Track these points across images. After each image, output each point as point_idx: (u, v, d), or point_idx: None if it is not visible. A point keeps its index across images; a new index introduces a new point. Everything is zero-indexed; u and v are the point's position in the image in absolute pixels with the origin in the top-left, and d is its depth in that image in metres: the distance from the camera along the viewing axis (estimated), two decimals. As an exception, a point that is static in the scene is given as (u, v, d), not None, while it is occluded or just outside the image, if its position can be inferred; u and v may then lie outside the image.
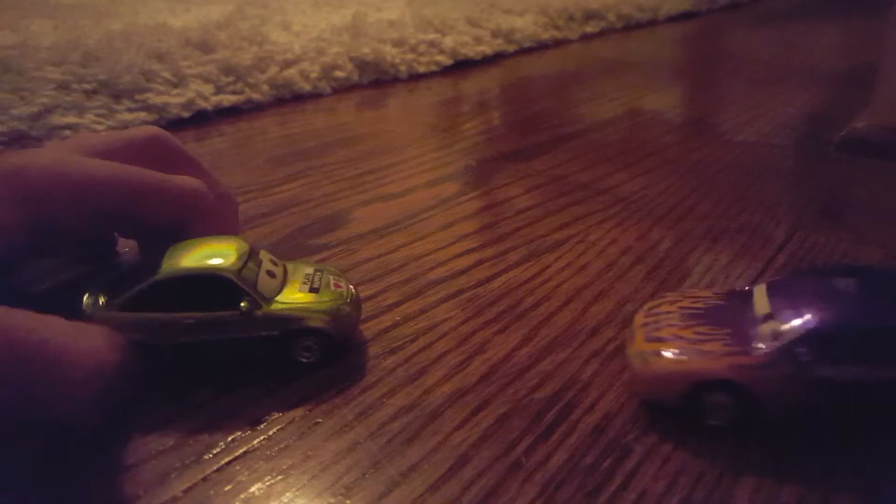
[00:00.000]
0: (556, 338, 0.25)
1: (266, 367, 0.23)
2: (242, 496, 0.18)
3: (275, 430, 0.20)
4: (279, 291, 0.23)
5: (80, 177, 0.22)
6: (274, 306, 0.22)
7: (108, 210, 0.23)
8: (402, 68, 0.71)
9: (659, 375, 0.20)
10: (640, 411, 0.21)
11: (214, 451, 0.19)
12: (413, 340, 0.25)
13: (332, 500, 0.18)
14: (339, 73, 0.66)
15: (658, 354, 0.20)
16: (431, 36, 0.77)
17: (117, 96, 0.52)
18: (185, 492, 0.18)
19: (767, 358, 0.18)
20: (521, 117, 0.58)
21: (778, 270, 0.30)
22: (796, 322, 0.18)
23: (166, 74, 0.55)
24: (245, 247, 0.23)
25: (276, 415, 0.21)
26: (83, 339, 0.18)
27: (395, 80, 0.71)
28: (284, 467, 0.19)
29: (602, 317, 0.26)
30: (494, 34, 0.84)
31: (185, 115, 0.54)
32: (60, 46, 0.56)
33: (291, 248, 0.32)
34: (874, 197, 0.39)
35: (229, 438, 0.20)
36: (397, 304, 0.27)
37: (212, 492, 0.18)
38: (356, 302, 0.24)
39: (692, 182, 0.41)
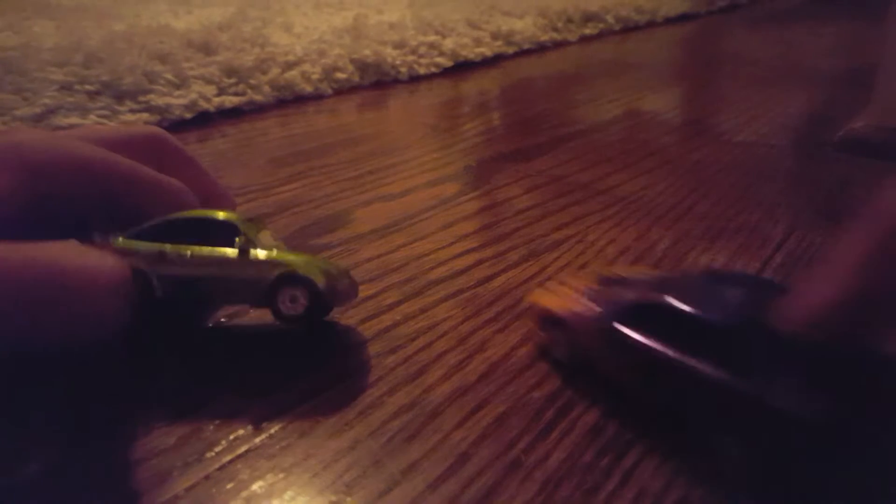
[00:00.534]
0: (555, 337, 0.25)
1: (253, 366, 0.23)
2: (244, 494, 0.18)
3: (276, 428, 0.20)
4: (274, 248, 0.24)
5: (78, 154, 0.22)
6: (267, 252, 0.23)
7: (101, 191, 0.23)
8: (403, 70, 0.72)
9: (529, 306, 0.24)
10: (640, 411, 0.21)
11: (216, 450, 0.19)
12: (413, 340, 0.25)
13: (334, 498, 0.18)
14: (340, 75, 0.66)
15: (543, 292, 0.24)
16: (432, 38, 0.77)
17: (120, 97, 0.53)
18: (188, 490, 0.18)
19: (594, 311, 0.21)
20: (521, 118, 0.58)
21: (776, 270, 0.30)
22: (635, 291, 0.21)
23: (168, 76, 0.55)
24: (242, 217, 0.25)
25: (277, 414, 0.21)
26: (94, 257, 0.19)
27: (396, 81, 0.71)
28: (286, 465, 0.19)
29: (601, 316, 0.26)
30: (494, 36, 0.84)
31: (188, 116, 0.54)
32: (63, 48, 0.56)
33: (293, 248, 0.32)
34: (872, 197, 0.39)
35: (231, 437, 0.20)
36: (397, 304, 0.27)
37: (214, 490, 0.18)
38: (349, 278, 0.25)
39: (691, 182, 0.41)
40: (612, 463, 0.19)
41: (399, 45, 0.73)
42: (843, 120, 0.49)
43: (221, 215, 0.24)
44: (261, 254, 0.23)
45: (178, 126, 0.53)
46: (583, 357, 0.22)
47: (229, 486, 0.18)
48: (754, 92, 0.65)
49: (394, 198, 0.39)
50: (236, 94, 0.59)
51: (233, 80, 0.59)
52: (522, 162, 0.45)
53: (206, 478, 0.18)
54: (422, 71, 0.73)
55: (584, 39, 0.98)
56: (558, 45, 0.93)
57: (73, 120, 0.49)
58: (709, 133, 0.52)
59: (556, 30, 0.94)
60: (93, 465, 0.19)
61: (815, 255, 0.31)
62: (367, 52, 0.70)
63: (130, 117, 0.51)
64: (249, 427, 0.20)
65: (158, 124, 0.52)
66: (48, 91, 0.50)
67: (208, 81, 0.57)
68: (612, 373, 0.21)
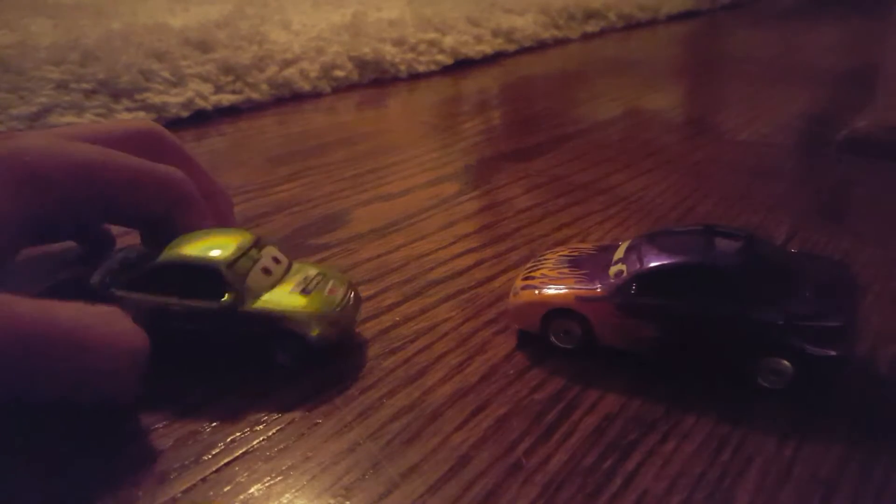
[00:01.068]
0: (556, 338, 0.24)
1: (253, 367, 0.23)
2: (242, 497, 0.18)
3: (274, 430, 0.20)
4: (268, 289, 0.23)
5: (76, 158, 0.22)
6: (256, 304, 0.22)
7: (100, 193, 0.23)
8: (402, 68, 0.71)
9: (521, 306, 0.24)
10: (641, 412, 0.21)
11: (214, 452, 0.19)
12: (413, 341, 0.24)
13: (332, 501, 0.17)
14: (338, 73, 0.66)
15: (524, 289, 0.24)
16: (431, 35, 0.77)
17: (116, 96, 0.52)
18: (185, 492, 0.18)
19: (602, 292, 0.22)
20: (522, 117, 0.58)
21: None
22: (633, 264, 0.22)
23: (165, 74, 0.55)
24: (249, 240, 0.24)
25: (275, 415, 0.21)
26: (120, 326, 0.19)
27: (395, 79, 0.71)
28: (284, 468, 0.19)
29: (602, 317, 0.26)
30: (495, 33, 0.84)
31: (185, 114, 0.54)
32: (59, 46, 0.56)
33: (291, 249, 0.32)
34: (875, 197, 0.39)
35: (229, 439, 0.20)
36: (397, 304, 0.27)
37: (211, 493, 0.18)
38: (349, 308, 0.24)
39: (692, 182, 0.41)
40: (614, 465, 0.18)
41: (398, 43, 0.73)
42: (846, 119, 0.48)
43: (212, 255, 0.22)
44: (250, 307, 0.22)
45: (175, 124, 0.53)
46: (595, 340, 0.23)
47: (227, 488, 0.18)
48: (756, 91, 0.65)
49: (393, 197, 0.39)
50: (234, 92, 0.58)
51: (230, 78, 0.59)
52: (523, 161, 0.45)
53: (204, 480, 0.18)
54: (421, 69, 0.73)
55: (586, 37, 0.97)
56: (559, 42, 0.93)
57: (70, 118, 0.49)
58: (711, 132, 0.52)
59: (557, 27, 0.94)
60: (91, 466, 0.19)
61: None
62: (365, 49, 0.69)
63: (127, 116, 0.51)
64: (247, 429, 0.20)
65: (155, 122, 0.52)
66: (44, 89, 0.50)
67: (205, 79, 0.57)
68: (631, 345, 0.22)
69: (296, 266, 0.25)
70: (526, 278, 0.24)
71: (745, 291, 0.21)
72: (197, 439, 0.20)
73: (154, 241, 0.24)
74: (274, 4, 0.85)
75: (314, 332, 0.22)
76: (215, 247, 0.23)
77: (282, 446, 0.19)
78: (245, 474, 0.18)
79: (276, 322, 0.22)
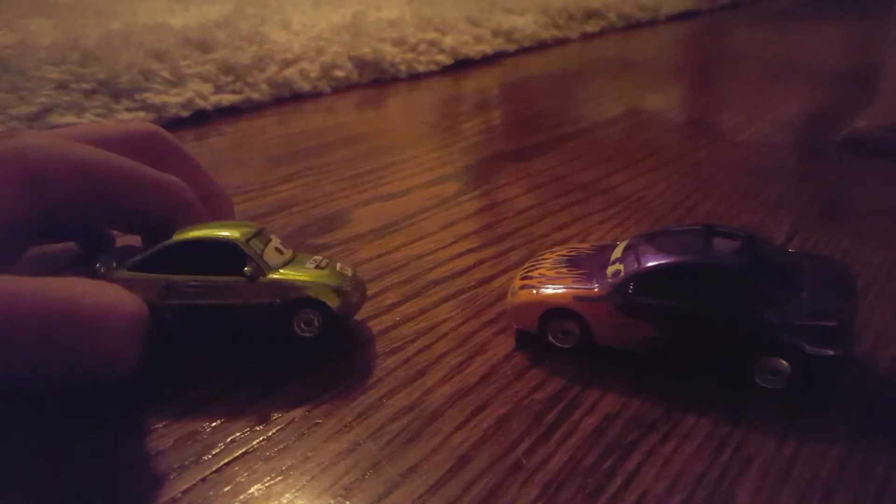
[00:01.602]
0: (556, 338, 0.24)
1: (253, 366, 0.23)
2: (242, 497, 0.18)
3: (274, 430, 0.20)
4: (284, 265, 0.23)
5: (80, 158, 0.22)
6: (277, 274, 0.23)
7: (101, 195, 0.23)
8: (402, 67, 0.71)
9: (520, 305, 0.24)
10: (641, 412, 0.21)
11: (213, 452, 0.19)
12: (413, 341, 0.24)
13: (332, 501, 0.17)
14: (338, 73, 0.66)
15: (522, 289, 0.24)
16: (431, 35, 0.77)
17: (116, 96, 0.52)
18: (184, 493, 0.18)
19: (600, 292, 0.22)
20: (522, 117, 0.58)
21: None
22: (630, 264, 0.22)
23: (165, 74, 0.55)
24: (254, 228, 0.24)
25: (275, 415, 0.21)
26: (112, 295, 0.19)
27: (395, 79, 0.71)
28: (284, 468, 0.19)
29: (602, 317, 0.26)
30: (495, 33, 0.84)
31: (185, 114, 0.54)
32: (59, 46, 0.56)
33: (298, 251, 0.32)
34: (875, 197, 0.39)
35: (228, 439, 0.20)
36: (397, 304, 0.27)
37: (211, 493, 0.18)
38: (359, 284, 0.25)
39: (693, 182, 0.41)
40: (614, 465, 0.18)
41: (398, 43, 0.73)
42: (846, 119, 0.48)
43: (223, 234, 0.23)
44: (271, 277, 0.23)
45: (174, 124, 0.53)
46: (594, 340, 0.23)
47: (227, 488, 0.18)
48: (756, 91, 0.65)
49: (393, 197, 0.39)
50: (234, 92, 0.58)
51: (230, 78, 0.59)
52: (523, 161, 0.45)
53: (204, 480, 0.18)
54: (421, 69, 0.73)
55: (586, 37, 0.97)
56: (560, 42, 0.93)
57: (70, 118, 0.49)
58: (711, 132, 0.52)
59: (557, 27, 0.94)
60: (90, 466, 0.19)
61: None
62: (365, 49, 0.69)
63: (127, 116, 0.51)
64: (247, 429, 0.20)
65: (155, 123, 0.52)
66: (44, 89, 0.50)
67: (205, 79, 0.57)
68: (629, 344, 0.22)
69: (300, 255, 0.25)
70: (524, 278, 0.24)
71: (744, 291, 0.21)
72: (197, 439, 0.20)
73: (154, 245, 0.24)
74: (274, 4, 0.85)
75: (336, 301, 0.23)
76: (225, 229, 0.23)
77: (282, 446, 0.19)
78: (245, 474, 0.18)
79: (299, 291, 0.23)
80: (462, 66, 0.77)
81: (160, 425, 0.20)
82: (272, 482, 0.18)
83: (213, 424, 0.20)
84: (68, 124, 0.48)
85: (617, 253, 0.23)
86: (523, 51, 0.86)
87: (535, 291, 0.23)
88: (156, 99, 0.53)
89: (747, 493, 0.18)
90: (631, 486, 0.18)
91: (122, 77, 0.53)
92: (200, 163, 0.29)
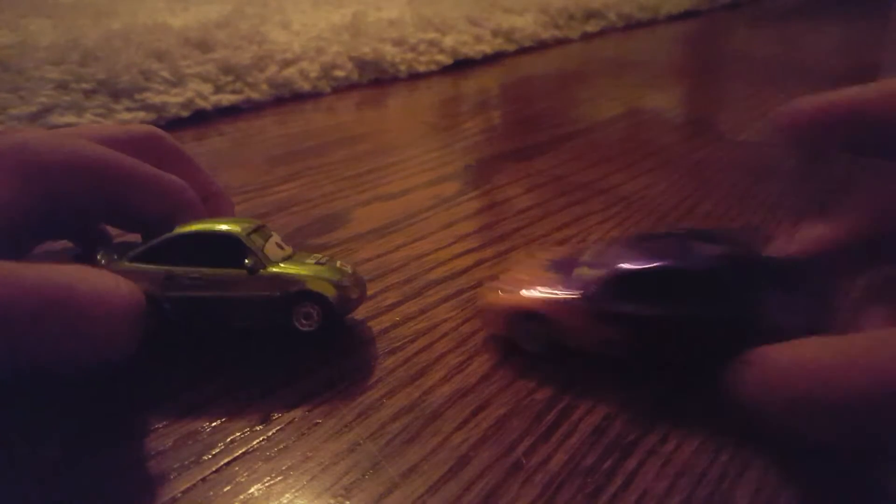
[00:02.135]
0: (556, 338, 0.24)
1: (265, 342, 0.23)
2: (242, 497, 0.18)
3: (274, 430, 0.20)
4: (284, 260, 0.24)
5: (81, 153, 0.22)
6: (277, 268, 0.23)
7: (102, 191, 0.23)
8: (402, 67, 0.71)
9: (490, 308, 0.24)
10: (641, 412, 0.21)
11: (213, 452, 0.19)
12: (413, 341, 0.24)
13: (332, 501, 0.17)
14: (338, 73, 0.66)
15: (492, 291, 0.24)
16: (431, 35, 0.77)
17: (116, 96, 0.52)
18: (184, 492, 0.18)
19: (570, 296, 0.22)
20: (522, 117, 0.58)
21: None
22: (599, 268, 0.22)
23: (165, 74, 0.55)
24: (254, 223, 0.24)
25: (275, 415, 0.21)
26: (109, 282, 0.19)
27: (395, 79, 0.71)
28: (284, 468, 0.19)
29: (602, 317, 0.26)
30: (495, 33, 0.84)
31: (184, 114, 0.54)
32: (59, 46, 0.56)
33: (297, 248, 0.32)
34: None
35: (228, 439, 0.20)
36: (397, 304, 0.27)
37: (211, 493, 0.18)
38: (359, 281, 0.25)
39: (693, 182, 0.41)
40: (614, 465, 0.18)
41: (398, 43, 0.73)
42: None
43: (224, 228, 0.23)
44: (271, 270, 0.23)
45: (174, 124, 0.53)
46: (564, 343, 0.23)
47: (227, 488, 0.18)
48: (756, 90, 0.65)
49: (393, 197, 0.39)
50: (233, 92, 0.58)
51: (230, 78, 0.59)
52: (523, 161, 0.45)
53: (204, 480, 0.18)
54: (421, 69, 0.73)
55: (586, 37, 0.97)
56: (560, 42, 0.93)
57: (69, 119, 0.49)
58: (711, 132, 0.52)
59: (557, 27, 0.94)
60: (90, 467, 0.19)
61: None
62: (365, 49, 0.69)
63: (127, 116, 0.51)
64: (247, 429, 0.20)
65: (155, 123, 0.52)
66: (44, 89, 0.50)
67: (205, 79, 0.57)
68: (599, 347, 0.22)
69: (300, 252, 0.26)
70: (495, 280, 0.24)
71: (716, 294, 0.21)
72: (197, 439, 0.20)
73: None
74: (274, 4, 0.85)
75: (336, 296, 0.23)
76: (226, 223, 0.23)
77: (282, 446, 0.19)
78: (245, 474, 0.18)
79: (298, 284, 0.23)
80: (462, 66, 0.77)
81: (160, 425, 0.20)
82: (272, 482, 0.18)
83: (213, 424, 0.20)
84: (68, 124, 0.48)
85: (586, 256, 0.23)
86: (523, 51, 0.86)
87: (503, 293, 0.23)
88: (156, 99, 0.53)
89: (747, 493, 0.18)
90: (631, 486, 0.18)
91: (122, 77, 0.53)
92: (200, 163, 0.29)
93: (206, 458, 0.19)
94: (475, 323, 0.26)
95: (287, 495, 0.18)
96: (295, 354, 0.23)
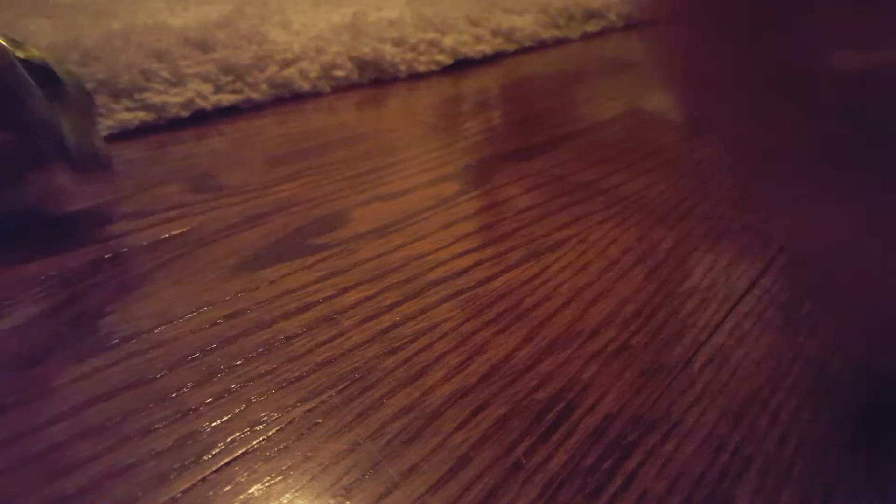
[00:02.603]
0: (556, 338, 0.25)
1: (263, 357, 0.23)
2: (242, 497, 0.18)
3: (274, 430, 0.20)
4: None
5: None
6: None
7: None
8: (402, 67, 0.71)
9: None
10: (641, 412, 0.21)
11: (213, 452, 0.19)
12: (413, 341, 0.24)
13: (332, 501, 0.17)
14: (338, 73, 0.66)
15: None
16: (431, 35, 0.77)
17: (116, 95, 0.52)
18: (184, 493, 0.18)
19: None
20: (521, 117, 0.58)
21: (779, 271, 0.30)
22: None
23: (165, 74, 0.55)
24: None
25: (275, 416, 0.21)
26: None
27: (395, 79, 0.71)
28: (284, 468, 0.19)
29: (603, 317, 0.26)
30: (494, 33, 0.84)
31: (185, 114, 0.54)
32: (59, 45, 0.56)
33: (290, 248, 0.32)
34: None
35: (228, 439, 0.20)
36: (397, 304, 0.27)
37: (211, 493, 0.18)
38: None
39: (693, 182, 0.41)
40: (614, 465, 0.18)
41: (398, 43, 0.73)
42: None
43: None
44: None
45: (175, 124, 0.53)
46: None
47: (227, 488, 0.18)
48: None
49: (393, 197, 0.39)
50: (233, 92, 0.58)
51: (230, 78, 0.59)
52: (523, 161, 0.45)
53: (203, 480, 0.18)
54: (421, 69, 0.73)
55: (586, 37, 0.97)
56: (560, 42, 0.93)
57: (70, 118, 0.48)
58: (711, 132, 0.52)
59: (557, 27, 0.94)
60: (89, 466, 0.19)
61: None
62: (365, 49, 0.69)
63: (127, 115, 0.51)
64: (247, 429, 0.20)
65: (155, 123, 0.52)
66: (45, 89, 0.50)
67: (205, 79, 0.57)
68: None
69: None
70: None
71: None
72: (197, 439, 0.20)
73: None
74: (274, 4, 0.85)
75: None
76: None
77: (282, 446, 0.19)
78: (245, 474, 0.18)
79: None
80: (462, 66, 0.77)
81: (160, 425, 0.20)
82: (272, 482, 0.18)
83: (213, 424, 0.20)
84: (68, 124, 0.48)
85: None
86: (523, 51, 0.86)
87: None
88: (156, 99, 0.53)
89: (747, 493, 0.18)
90: (631, 486, 0.18)
91: (122, 77, 0.53)
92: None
93: (205, 458, 0.19)
94: (475, 323, 0.26)
95: (287, 495, 0.18)
96: (295, 353, 0.23)
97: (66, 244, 0.32)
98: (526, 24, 0.89)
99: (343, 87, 0.66)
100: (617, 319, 0.26)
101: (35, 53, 0.31)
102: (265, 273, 0.29)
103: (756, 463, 0.19)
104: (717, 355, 0.23)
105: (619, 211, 0.36)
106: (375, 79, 0.70)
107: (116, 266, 0.30)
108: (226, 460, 0.19)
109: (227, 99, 0.57)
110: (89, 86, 0.52)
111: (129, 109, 0.52)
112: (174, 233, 0.34)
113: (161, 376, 0.22)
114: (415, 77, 0.72)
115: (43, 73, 0.30)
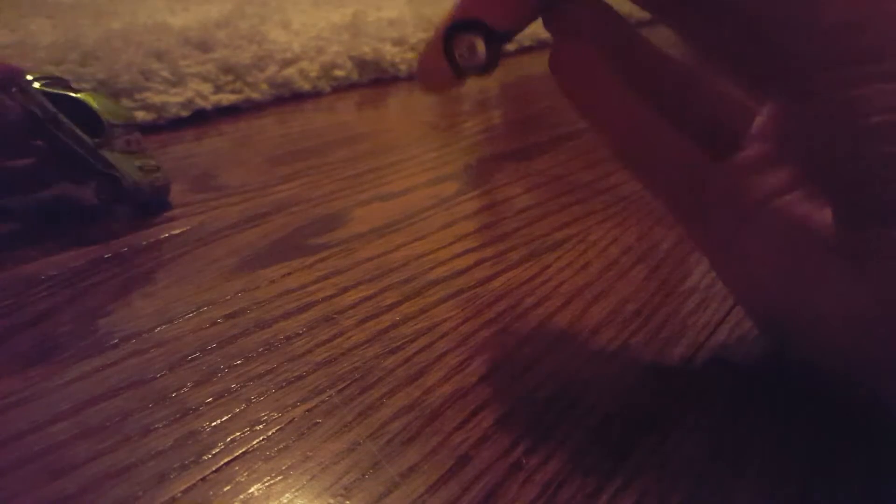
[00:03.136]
0: (556, 338, 0.25)
1: (263, 357, 0.23)
2: (242, 497, 0.18)
3: (274, 430, 0.20)
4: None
5: None
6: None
7: None
8: (403, 67, 0.71)
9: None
10: (641, 412, 0.21)
11: (213, 452, 0.19)
12: (413, 340, 0.24)
13: (332, 501, 0.17)
14: (338, 72, 0.66)
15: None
16: (431, 35, 0.76)
17: (116, 95, 0.52)
18: (184, 492, 0.18)
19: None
20: (522, 116, 0.58)
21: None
22: None
23: (165, 73, 0.55)
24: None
25: (275, 415, 0.21)
26: None
27: (395, 79, 0.71)
28: (284, 468, 0.19)
29: (603, 316, 0.26)
30: (494, 33, 0.84)
31: (185, 114, 0.54)
32: (59, 45, 0.56)
33: (290, 248, 0.32)
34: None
35: (228, 439, 0.20)
36: (397, 304, 0.27)
37: (211, 492, 0.18)
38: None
39: (692, 181, 0.41)
40: (614, 465, 0.18)
41: (398, 43, 0.73)
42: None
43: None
44: None
45: (174, 124, 0.53)
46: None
47: (227, 488, 0.18)
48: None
49: (393, 197, 0.39)
50: (233, 91, 0.58)
51: (230, 78, 0.59)
52: (523, 161, 0.45)
53: (203, 480, 0.18)
54: (421, 69, 0.73)
55: (584, 37, 0.97)
56: (558, 43, 0.93)
57: (70, 118, 0.48)
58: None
59: (555, 28, 0.94)
60: (89, 466, 0.19)
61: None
62: (365, 49, 0.69)
63: (128, 115, 0.51)
64: (247, 429, 0.20)
65: (155, 122, 0.52)
66: (45, 89, 0.50)
67: (205, 79, 0.57)
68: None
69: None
70: None
71: None
72: (196, 439, 0.20)
73: None
74: (274, 4, 0.85)
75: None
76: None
77: (281, 446, 0.19)
78: (245, 474, 0.18)
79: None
80: (462, 65, 0.77)
81: (160, 425, 0.20)
82: (272, 482, 0.18)
83: (213, 424, 0.20)
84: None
85: None
86: (523, 50, 0.86)
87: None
88: (156, 99, 0.53)
89: (747, 493, 0.18)
90: (631, 486, 0.18)
91: (122, 77, 0.53)
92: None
93: (205, 457, 0.19)
94: (475, 323, 0.26)
95: (287, 495, 0.18)
96: (295, 353, 0.23)
97: (66, 244, 0.32)
98: (526, 23, 0.89)
99: (343, 87, 0.66)
100: (617, 319, 0.26)
101: (81, 96, 0.34)
102: (265, 273, 0.29)
103: (756, 463, 0.19)
104: (717, 355, 0.23)
105: (620, 210, 0.36)
106: (375, 78, 0.70)
107: (116, 266, 0.30)
108: (226, 460, 0.19)
109: (227, 99, 0.57)
110: (89, 86, 0.52)
111: (128, 109, 0.52)
112: (174, 232, 0.34)
113: (161, 376, 0.22)
114: (415, 77, 0.72)
115: (86, 114, 0.32)
